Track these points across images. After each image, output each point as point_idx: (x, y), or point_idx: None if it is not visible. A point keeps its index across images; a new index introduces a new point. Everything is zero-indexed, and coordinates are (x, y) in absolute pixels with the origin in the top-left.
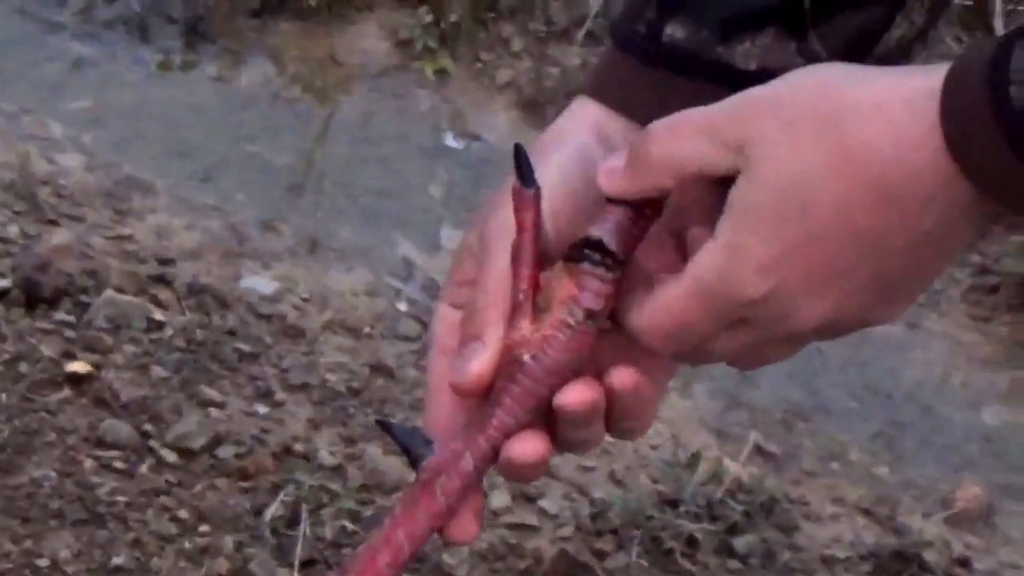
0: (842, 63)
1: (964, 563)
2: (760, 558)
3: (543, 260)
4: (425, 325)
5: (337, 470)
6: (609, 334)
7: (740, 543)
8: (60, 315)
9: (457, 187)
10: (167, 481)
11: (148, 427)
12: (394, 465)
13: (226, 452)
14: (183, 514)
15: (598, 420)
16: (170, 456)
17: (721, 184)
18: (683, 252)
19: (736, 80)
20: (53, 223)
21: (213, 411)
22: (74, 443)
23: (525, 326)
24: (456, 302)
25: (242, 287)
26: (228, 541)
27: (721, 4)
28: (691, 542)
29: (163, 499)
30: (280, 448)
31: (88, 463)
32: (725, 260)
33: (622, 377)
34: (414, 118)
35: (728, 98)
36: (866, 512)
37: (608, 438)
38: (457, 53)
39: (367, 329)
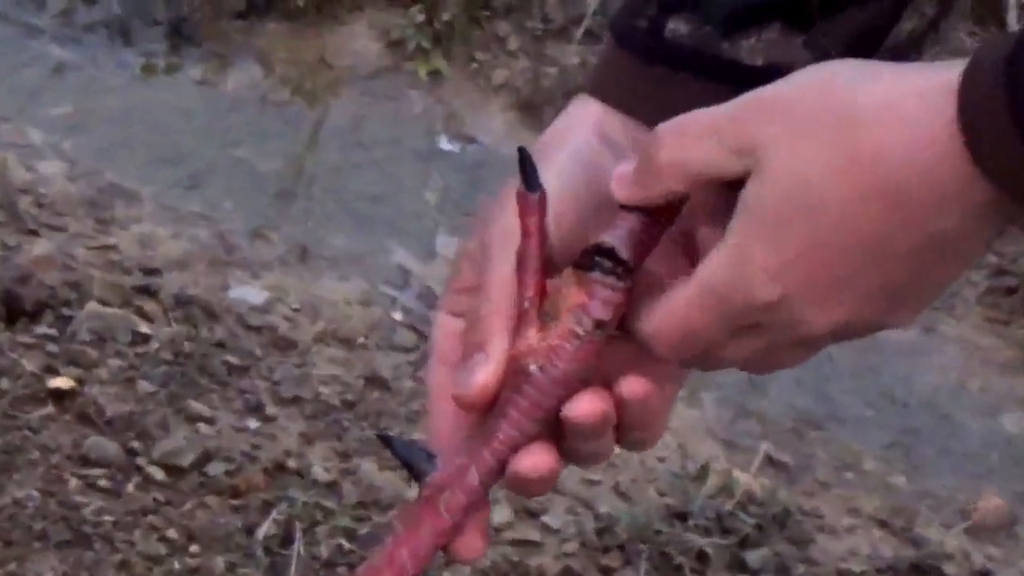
0: (852, 60)
1: (985, 575)
2: (773, 573)
3: (548, 266)
4: (421, 335)
5: (332, 486)
6: (617, 342)
7: (752, 557)
8: (42, 329)
9: (453, 192)
10: (155, 500)
11: (134, 444)
12: (391, 481)
13: (216, 469)
14: (172, 534)
15: (608, 431)
16: (158, 474)
17: (730, 185)
18: (692, 256)
19: (740, 77)
20: (34, 233)
21: (202, 426)
22: (58, 461)
23: (531, 335)
24: (455, 310)
25: (231, 298)
26: (219, 562)
27: None
28: (701, 557)
29: (151, 518)
30: (272, 464)
31: (73, 482)
32: (734, 264)
33: (632, 386)
34: (407, 121)
35: (736, 99)
36: (883, 524)
37: (614, 450)
38: (451, 53)
39: (361, 340)
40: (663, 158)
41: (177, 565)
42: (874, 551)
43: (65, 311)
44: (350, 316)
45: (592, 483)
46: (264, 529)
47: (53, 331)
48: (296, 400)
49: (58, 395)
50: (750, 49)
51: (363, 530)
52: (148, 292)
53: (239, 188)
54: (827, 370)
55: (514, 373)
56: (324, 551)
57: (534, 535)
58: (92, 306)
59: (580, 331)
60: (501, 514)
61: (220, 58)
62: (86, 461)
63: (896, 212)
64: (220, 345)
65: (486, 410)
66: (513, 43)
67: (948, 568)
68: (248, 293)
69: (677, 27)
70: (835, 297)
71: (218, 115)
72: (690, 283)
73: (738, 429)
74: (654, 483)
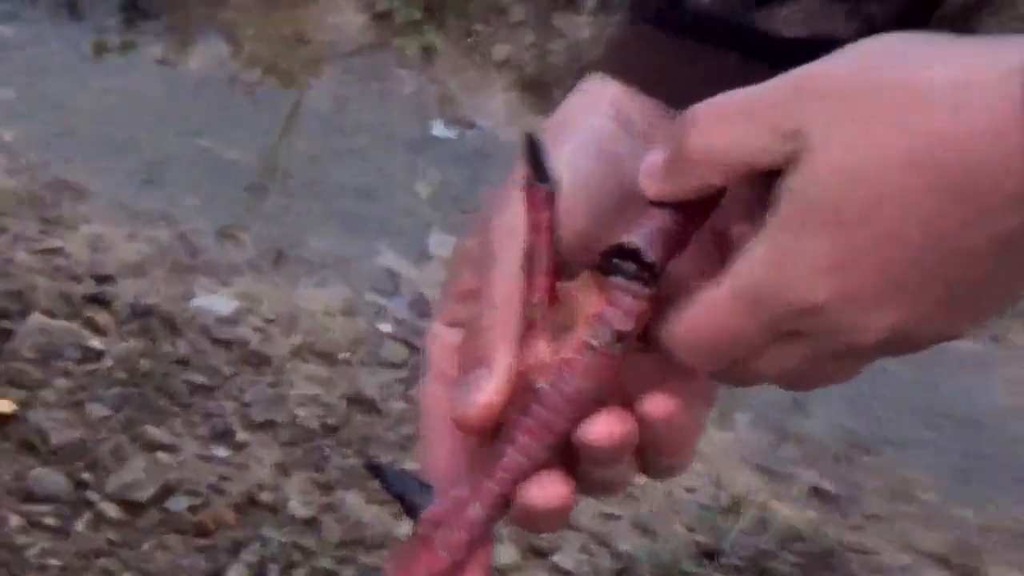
0: (914, 33)
1: None
2: None
3: (560, 269)
4: (413, 348)
5: (311, 523)
6: (639, 354)
7: None
8: None
9: (448, 184)
10: (108, 540)
11: (84, 476)
12: (378, 516)
13: (178, 504)
14: None
15: (628, 457)
16: (111, 510)
17: (768, 175)
18: (724, 255)
19: (773, 51)
20: None
21: (162, 456)
22: None
23: (541, 348)
24: (453, 320)
25: (194, 307)
26: None
27: None
28: None
29: (103, 561)
30: (243, 498)
31: (14, 520)
32: (774, 262)
33: (656, 405)
34: (396, 104)
35: (779, 77)
36: (943, 562)
37: (636, 479)
38: (445, 26)
39: (344, 355)
40: (697, 145)
41: None
42: None
43: (5, 324)
44: (331, 328)
45: (610, 517)
46: (234, 572)
47: None
48: (270, 424)
49: None
50: (786, 19)
51: (347, 573)
52: (100, 302)
53: (204, 182)
54: (880, 386)
55: (521, 391)
56: None
57: None
58: (36, 318)
59: (597, 343)
60: (506, 554)
61: (181, 34)
62: (29, 496)
63: (963, 206)
64: (182, 362)
65: (489, 434)
66: (516, 14)
67: None
68: (214, 302)
69: None
70: (890, 301)
71: (180, 99)
72: (723, 284)
73: (777, 454)
74: (680, 517)
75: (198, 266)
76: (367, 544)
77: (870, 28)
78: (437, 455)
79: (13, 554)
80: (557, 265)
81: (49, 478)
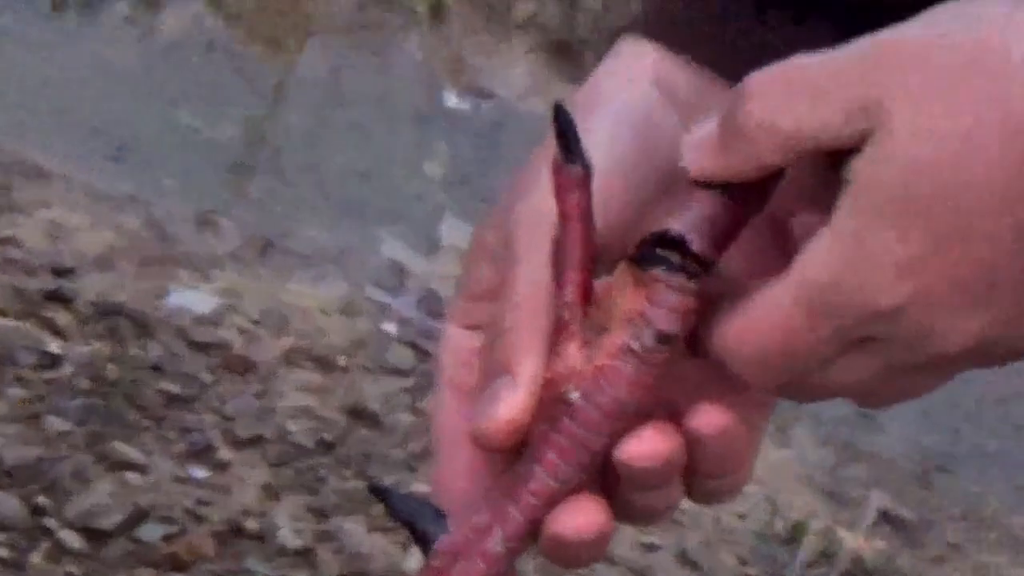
0: None
1: None
2: None
3: (595, 262)
4: (422, 353)
5: (304, 555)
6: (686, 361)
7: None
8: None
9: (462, 163)
10: (68, 573)
11: (42, 500)
12: (382, 547)
13: (150, 533)
14: None
15: (674, 479)
16: (73, 539)
17: (832, 154)
18: (784, 248)
19: (843, 12)
20: None
21: (131, 476)
22: None
23: (573, 353)
24: (470, 322)
25: (169, 305)
26: None
27: None
28: None
29: None
30: (225, 526)
31: None
32: (843, 258)
33: (707, 418)
34: (401, 72)
35: (848, 45)
36: None
37: (682, 503)
38: None
39: (342, 360)
40: (755, 118)
41: None
42: None
43: None
44: (327, 329)
45: (651, 549)
46: None
47: None
48: (256, 441)
49: None
50: None
51: None
52: (60, 299)
53: (180, 161)
54: (960, 397)
55: (551, 403)
56: None
57: None
58: None
59: (638, 347)
60: None
61: None
62: None
63: None
64: (155, 368)
65: (513, 452)
66: None
67: None
68: (192, 299)
69: None
70: (978, 303)
71: (152, 67)
72: (785, 284)
73: (844, 475)
74: (732, 547)
75: (173, 258)
76: None
77: None
78: (452, 477)
79: None
80: (591, 258)
81: (1, 503)
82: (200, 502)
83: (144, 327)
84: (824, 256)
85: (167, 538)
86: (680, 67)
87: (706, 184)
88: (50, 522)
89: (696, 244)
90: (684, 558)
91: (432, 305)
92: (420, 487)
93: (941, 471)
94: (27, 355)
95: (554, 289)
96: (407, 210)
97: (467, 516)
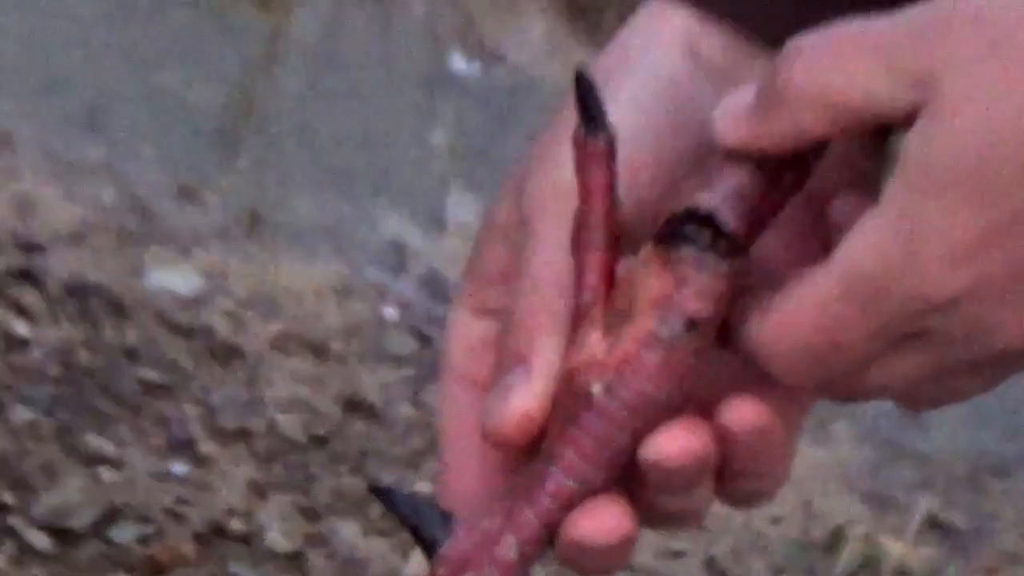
0: None
1: None
2: None
3: (619, 242)
4: (425, 340)
5: (294, 560)
6: (718, 352)
7: None
8: None
9: (471, 132)
10: None
11: (6, 497)
12: (380, 552)
13: (125, 534)
14: None
15: (705, 480)
16: (40, 540)
17: (880, 130)
18: (824, 234)
19: None
20: None
21: (104, 472)
22: None
23: (594, 341)
24: (480, 307)
25: (148, 286)
26: None
27: None
28: None
29: None
30: (207, 527)
31: None
32: (895, 242)
33: (742, 414)
34: (404, 32)
35: (904, 10)
36: None
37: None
38: None
39: (337, 346)
40: (798, 84)
41: None
42: None
43: None
44: (321, 313)
45: (676, 556)
46: None
47: None
48: (242, 434)
49: None
50: None
51: None
52: (28, 278)
53: (160, 127)
54: (1018, 393)
55: (569, 396)
56: None
57: None
58: None
59: (666, 334)
60: None
61: None
62: None
63: None
64: (132, 354)
65: (528, 450)
66: None
67: None
68: (172, 279)
69: None
70: None
71: (128, 23)
72: (827, 272)
73: (888, 477)
74: (765, 555)
75: (152, 234)
76: None
77: None
78: (460, 476)
79: None
80: (614, 237)
81: None
82: (180, 500)
83: (120, 309)
84: (871, 241)
85: (143, 540)
86: (713, 30)
87: (741, 157)
88: (15, 521)
89: (729, 222)
90: (712, 566)
91: (436, 287)
92: (422, 486)
93: (995, 473)
94: None
95: (574, 271)
96: (409, 183)
97: (477, 520)
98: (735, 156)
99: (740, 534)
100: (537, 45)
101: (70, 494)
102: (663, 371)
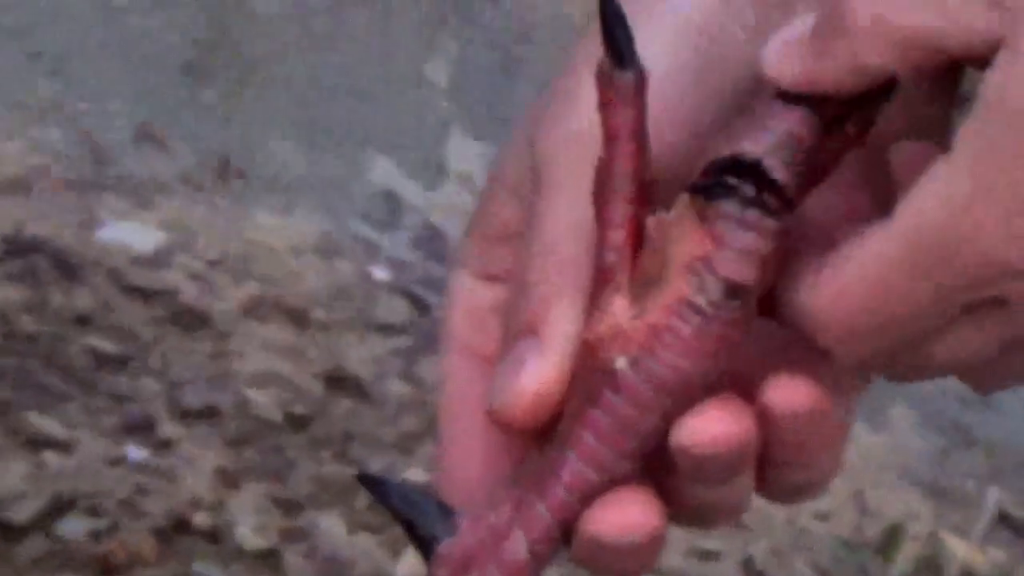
0: None
1: None
2: None
3: (648, 195)
4: (420, 306)
5: (267, 558)
6: (761, 323)
7: None
8: None
9: (474, 68)
10: None
11: None
12: (366, 550)
13: (74, 528)
14: None
15: (745, 469)
16: None
17: (953, 68)
18: (882, 192)
19: None
20: None
21: (51, 456)
22: None
23: (619, 309)
24: (487, 270)
25: (102, 241)
26: None
27: None
28: None
29: None
30: (169, 520)
31: None
32: (968, 196)
33: (789, 394)
34: None
35: None
36: None
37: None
38: None
39: (319, 313)
40: (862, 13)
41: None
42: None
43: None
44: (301, 273)
45: (709, 557)
46: None
47: None
48: (209, 413)
49: None
50: None
51: None
52: None
53: (118, 60)
54: None
55: (589, 372)
56: None
57: None
58: None
59: (702, 301)
60: None
61: None
62: None
63: None
64: (83, 321)
65: (540, 434)
66: None
67: None
68: (130, 234)
69: None
70: None
71: None
72: (888, 231)
73: (952, 467)
74: (810, 554)
75: (107, 182)
76: None
77: None
78: (462, 464)
79: None
80: (643, 189)
81: None
82: (137, 490)
83: (69, 268)
84: (940, 195)
85: (95, 535)
86: None
87: (795, 99)
88: None
89: (778, 172)
90: (750, 568)
91: (434, 246)
92: (415, 474)
93: None
94: None
95: (596, 229)
96: (403, 125)
97: (481, 514)
98: (787, 98)
99: (782, 532)
100: None
101: (11, 482)
102: (698, 344)
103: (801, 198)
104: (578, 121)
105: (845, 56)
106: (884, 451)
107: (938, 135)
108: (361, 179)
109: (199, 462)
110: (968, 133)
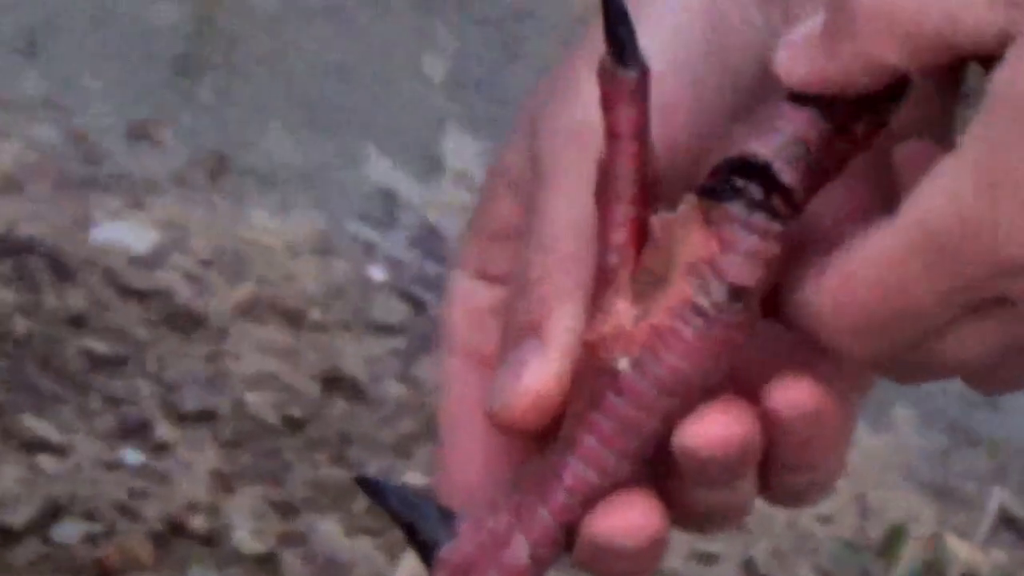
0: None
1: None
2: None
3: (651, 194)
4: (418, 306)
5: (265, 562)
6: (764, 324)
7: None
8: None
9: (473, 61)
10: None
11: None
12: (365, 553)
13: (69, 532)
14: None
15: (748, 472)
16: None
17: (957, 66)
18: (886, 188)
19: None
20: None
21: (45, 460)
22: None
23: (621, 309)
24: (486, 269)
25: (95, 241)
26: None
27: None
28: None
29: None
30: (164, 524)
31: None
32: (976, 192)
33: (793, 395)
34: None
35: None
36: None
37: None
38: None
39: (316, 314)
40: (870, 8)
41: None
42: None
43: None
44: (296, 274)
45: (709, 560)
46: None
47: None
48: (205, 416)
49: None
50: None
51: None
52: None
53: (110, 55)
54: None
55: (591, 374)
56: None
57: None
58: None
59: (705, 303)
60: None
61: None
62: None
63: None
64: (77, 322)
65: (541, 436)
66: None
67: None
68: (124, 234)
69: None
70: None
71: None
72: (895, 228)
73: (955, 467)
74: (811, 557)
75: (99, 180)
76: None
77: None
78: (462, 466)
79: None
80: (647, 187)
81: None
82: (133, 494)
83: (63, 269)
84: (946, 191)
85: (91, 539)
86: None
87: (804, 100)
88: None
89: (786, 175)
90: (751, 570)
91: (431, 244)
92: (413, 477)
93: None
94: None
95: (598, 228)
96: (400, 120)
97: (482, 517)
98: (797, 99)
99: (783, 534)
100: None
101: (5, 486)
102: (701, 346)
103: (808, 200)
104: (580, 117)
105: (855, 55)
106: (886, 452)
107: (941, 133)
108: (357, 176)
109: (195, 465)
110: (974, 130)
